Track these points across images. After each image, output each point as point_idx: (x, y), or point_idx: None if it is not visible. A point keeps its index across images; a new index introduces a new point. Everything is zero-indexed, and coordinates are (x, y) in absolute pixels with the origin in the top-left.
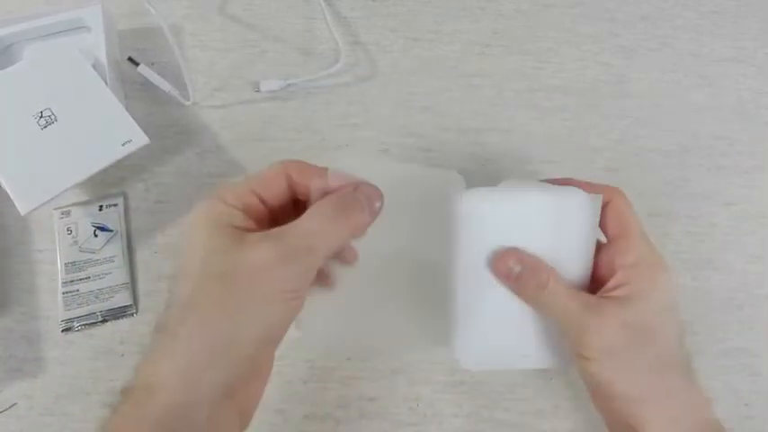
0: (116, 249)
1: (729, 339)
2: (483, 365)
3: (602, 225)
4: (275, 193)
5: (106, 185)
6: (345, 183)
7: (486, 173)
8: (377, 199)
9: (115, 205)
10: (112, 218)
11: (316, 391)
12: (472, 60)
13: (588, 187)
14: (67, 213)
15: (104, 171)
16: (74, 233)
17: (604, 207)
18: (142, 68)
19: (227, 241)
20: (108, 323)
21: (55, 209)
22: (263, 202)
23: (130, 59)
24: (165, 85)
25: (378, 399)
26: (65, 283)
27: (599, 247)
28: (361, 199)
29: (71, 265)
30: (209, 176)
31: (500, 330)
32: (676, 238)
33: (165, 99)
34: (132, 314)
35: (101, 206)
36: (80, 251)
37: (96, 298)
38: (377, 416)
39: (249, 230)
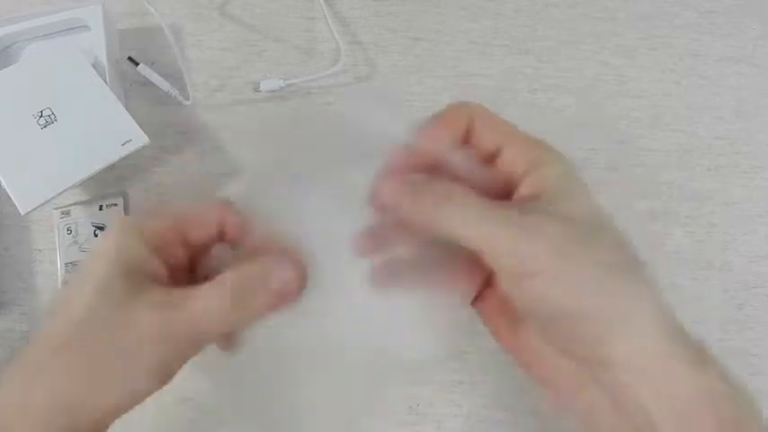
0: None
1: (729, 339)
2: None
3: (477, 143)
4: (202, 236)
5: (106, 185)
6: (270, 247)
7: None
8: (295, 283)
9: (115, 205)
10: (112, 218)
11: None
12: (472, 60)
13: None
14: (67, 213)
15: (104, 171)
16: (74, 233)
17: (471, 132)
18: (142, 68)
19: (121, 293)
20: None
21: (55, 209)
22: (184, 243)
23: (130, 59)
24: (165, 85)
25: (377, 399)
26: (65, 283)
27: (488, 167)
28: (272, 285)
29: (71, 265)
30: (209, 176)
31: None
32: (676, 238)
33: (165, 99)
34: None
35: (101, 206)
36: (80, 251)
37: None
38: (377, 416)
39: (154, 279)
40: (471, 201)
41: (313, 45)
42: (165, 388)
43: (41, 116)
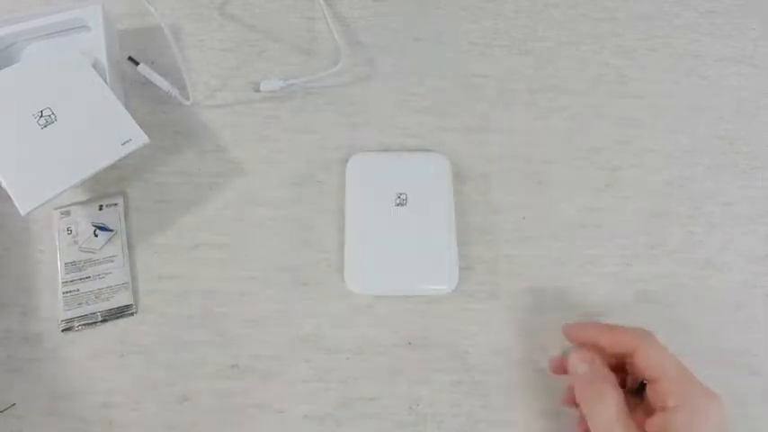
0: (116, 249)
1: (729, 339)
2: (368, 290)
3: (637, 372)
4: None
5: (106, 185)
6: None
7: (486, 173)
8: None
9: (115, 205)
10: (112, 218)
11: (316, 391)
12: (472, 60)
13: (612, 335)
14: (67, 213)
15: (104, 171)
16: (74, 233)
17: (633, 355)
18: (142, 68)
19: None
20: (108, 323)
21: (55, 208)
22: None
23: (130, 59)
24: (165, 85)
25: (378, 399)
26: (65, 282)
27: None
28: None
29: (71, 265)
30: (209, 176)
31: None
32: (676, 238)
33: (165, 99)
34: (132, 314)
35: (101, 206)
36: (80, 251)
37: (96, 298)
38: (377, 416)
39: None
40: (612, 410)
41: (313, 45)
42: (165, 388)
43: (41, 116)
